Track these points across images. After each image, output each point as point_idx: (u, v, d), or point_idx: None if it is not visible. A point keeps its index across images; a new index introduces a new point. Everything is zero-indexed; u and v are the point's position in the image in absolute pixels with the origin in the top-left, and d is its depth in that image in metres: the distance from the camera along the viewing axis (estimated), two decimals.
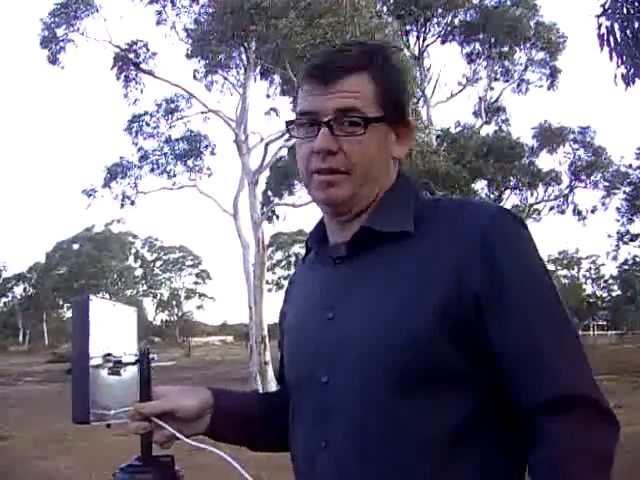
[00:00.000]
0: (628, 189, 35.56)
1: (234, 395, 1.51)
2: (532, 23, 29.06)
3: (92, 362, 1.29)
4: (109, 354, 1.34)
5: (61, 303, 72.50)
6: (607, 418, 1.17)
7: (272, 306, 21.76)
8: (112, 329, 1.39)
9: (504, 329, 1.19)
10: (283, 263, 64.33)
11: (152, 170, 23.10)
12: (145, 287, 77.33)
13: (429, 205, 1.35)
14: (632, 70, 7.73)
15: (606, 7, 7.81)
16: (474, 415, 1.21)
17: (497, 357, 1.20)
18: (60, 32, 21.22)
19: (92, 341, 1.29)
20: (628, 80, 7.80)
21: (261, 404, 1.53)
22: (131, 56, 21.64)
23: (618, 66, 7.87)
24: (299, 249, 60.32)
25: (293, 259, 58.74)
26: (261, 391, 17.23)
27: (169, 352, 51.61)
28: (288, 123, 1.38)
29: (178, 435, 1.32)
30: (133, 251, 73.44)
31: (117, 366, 1.35)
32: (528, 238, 1.28)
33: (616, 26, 7.78)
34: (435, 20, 30.07)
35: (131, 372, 1.37)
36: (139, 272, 75.73)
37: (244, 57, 21.39)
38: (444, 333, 1.19)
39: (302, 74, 1.36)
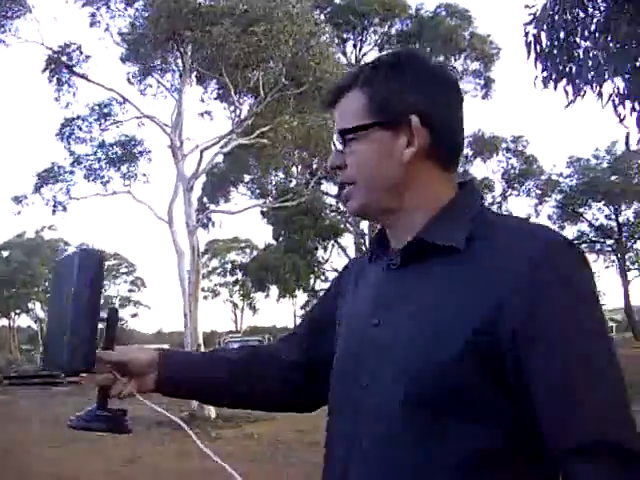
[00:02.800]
0: (559, 197, 36.45)
1: (182, 357, 1.66)
2: (466, 34, 29.61)
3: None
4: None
5: None
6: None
7: (207, 314, 21.56)
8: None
9: (539, 369, 1.15)
10: (219, 270, 63.96)
11: (86, 177, 22.66)
12: None
13: (490, 222, 1.30)
14: (553, 75, 7.90)
15: (536, 15, 7.97)
16: (495, 447, 1.19)
17: (530, 396, 1.16)
18: None
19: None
20: (546, 82, 7.97)
21: (211, 367, 1.62)
22: (64, 59, 21.17)
23: (542, 72, 8.03)
24: (235, 256, 60.08)
25: (229, 266, 58.40)
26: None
27: None
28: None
29: (131, 391, 1.48)
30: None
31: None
32: (585, 280, 1.21)
33: (543, 34, 7.95)
34: (372, 29, 30.36)
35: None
36: None
37: (180, 62, 21.16)
38: (478, 363, 1.18)
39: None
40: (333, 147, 1.41)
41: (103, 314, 1.46)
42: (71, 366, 1.41)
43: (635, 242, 37.43)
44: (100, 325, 1.46)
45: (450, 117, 1.36)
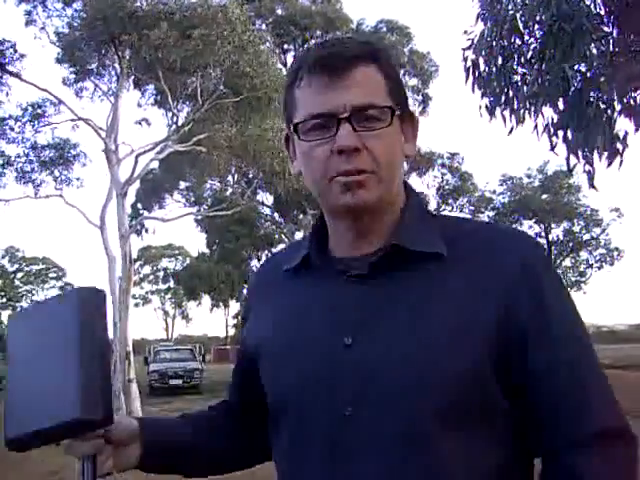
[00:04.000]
0: (491, 214, 37.12)
1: (163, 422, 1.45)
2: (406, 50, 29.97)
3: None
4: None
5: None
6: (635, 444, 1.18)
7: (138, 321, 21.24)
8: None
9: (549, 362, 1.15)
10: (151, 277, 63.17)
11: (17, 179, 22.09)
12: (4, 299, 74.02)
13: (453, 226, 1.26)
14: (494, 103, 8.05)
15: (473, 41, 8.11)
16: (512, 451, 1.18)
17: (533, 389, 1.15)
18: None
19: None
20: (492, 111, 8.12)
21: (191, 430, 1.39)
22: None
23: (482, 98, 8.18)
24: (167, 263, 59.44)
25: (161, 274, 57.77)
26: (125, 409, 16.78)
27: None
28: (294, 126, 1.23)
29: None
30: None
31: None
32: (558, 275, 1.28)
33: (481, 60, 8.09)
34: (313, 41, 30.47)
35: None
36: None
37: (117, 65, 20.86)
38: (491, 366, 1.13)
39: (298, 69, 1.22)
40: (346, 126, 1.17)
41: None
42: (88, 414, 1.09)
43: (563, 260, 38.35)
44: None
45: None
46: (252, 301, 1.43)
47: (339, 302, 1.21)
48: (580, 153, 7.54)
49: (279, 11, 29.32)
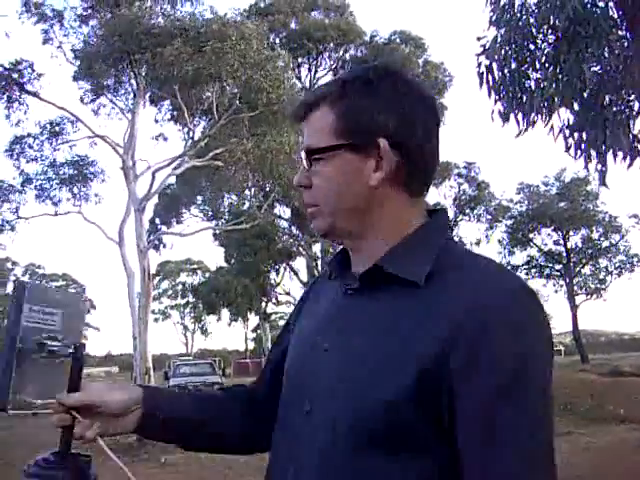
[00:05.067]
0: (509, 222, 36.97)
1: (166, 395, 1.48)
2: (420, 61, 30.02)
3: (26, 351, 1.28)
4: (43, 343, 1.31)
5: None
6: None
7: (157, 336, 21.30)
8: (53, 318, 1.37)
9: (464, 408, 1.11)
10: (170, 292, 63.33)
11: (37, 197, 22.31)
12: None
13: (454, 258, 1.24)
14: (507, 107, 8.04)
15: (486, 47, 8.11)
16: None
17: (456, 437, 1.12)
18: None
19: (23, 328, 1.28)
20: (505, 116, 8.11)
21: (199, 406, 1.49)
22: (15, 76, 20.92)
23: (495, 103, 8.17)
24: (186, 277, 59.59)
25: (180, 288, 57.90)
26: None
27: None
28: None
29: (91, 434, 1.29)
30: (12, 278, 70.58)
31: (50, 356, 1.32)
32: (538, 331, 1.16)
33: (494, 65, 8.09)
34: (327, 54, 30.60)
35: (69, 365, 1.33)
36: None
37: (133, 82, 21.05)
38: (418, 396, 1.12)
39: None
40: (301, 167, 1.31)
41: (69, 350, 1.32)
42: None
43: (583, 267, 38.02)
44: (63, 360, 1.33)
45: (423, 140, 1.26)
46: (305, 299, 1.53)
47: (333, 311, 1.33)
48: (594, 153, 7.52)
49: (293, 25, 29.50)
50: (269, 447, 1.43)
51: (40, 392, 1.33)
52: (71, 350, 1.32)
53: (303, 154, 1.29)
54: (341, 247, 1.39)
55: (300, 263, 30.52)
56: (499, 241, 37.70)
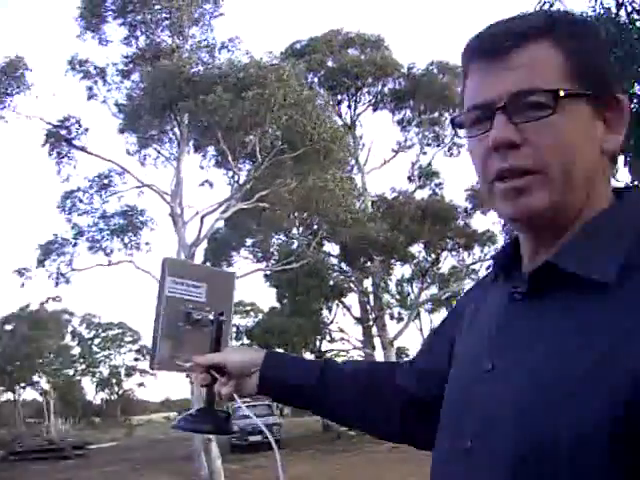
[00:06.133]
0: None
1: (288, 360, 1.50)
2: (459, 89, 29.95)
3: (171, 319, 1.47)
4: (189, 313, 1.48)
5: None
6: None
7: None
8: (198, 291, 1.53)
9: None
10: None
11: (90, 248, 22.70)
12: (84, 366, 75.31)
13: None
14: None
15: None
16: None
17: None
18: None
19: (167, 299, 1.47)
20: None
21: (323, 375, 1.44)
22: (63, 132, 21.46)
23: None
24: (240, 320, 59.74)
25: (234, 330, 58.09)
26: (207, 467, 16.72)
27: (110, 433, 50.11)
28: (453, 120, 1.09)
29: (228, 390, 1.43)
30: (70, 329, 71.65)
31: (195, 324, 1.49)
32: None
33: None
34: (365, 89, 30.78)
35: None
36: (77, 350, 73.80)
37: (177, 131, 21.42)
38: (611, 433, 0.86)
39: (463, 59, 1.08)
40: (499, 117, 0.99)
41: (210, 317, 1.50)
42: (149, 366, 1.51)
43: None
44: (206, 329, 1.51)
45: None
46: (463, 308, 1.29)
47: (499, 322, 1.06)
48: None
49: (330, 63, 29.74)
50: (401, 438, 1.43)
51: (189, 356, 1.48)
52: (212, 317, 1.49)
53: (505, 99, 0.98)
54: (510, 241, 1.13)
55: (352, 299, 30.41)
56: None
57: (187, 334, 1.49)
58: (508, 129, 0.97)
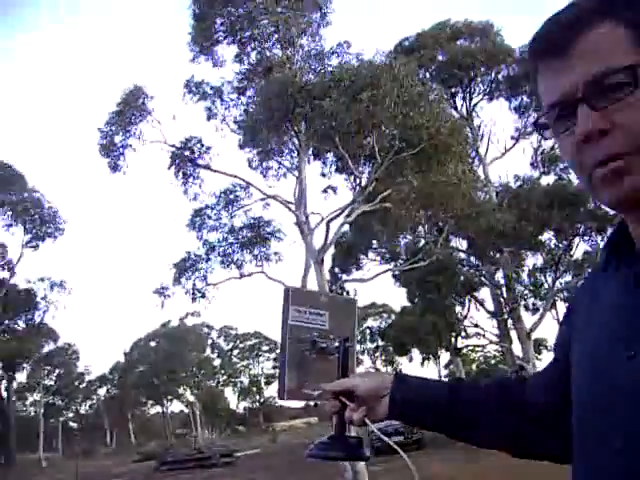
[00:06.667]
0: None
1: (415, 380, 1.45)
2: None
3: (296, 348, 1.49)
4: (315, 341, 1.51)
5: (144, 400, 73.06)
6: None
7: None
8: (321, 319, 1.55)
9: None
10: (359, 338, 63.48)
11: (222, 263, 23.32)
12: (225, 376, 77.46)
13: None
14: None
15: None
16: None
17: None
18: (118, 139, 21.92)
19: (290, 328, 1.50)
20: None
21: (454, 394, 1.39)
22: (187, 153, 22.15)
23: None
24: (373, 322, 59.87)
25: (367, 332, 58.22)
26: (351, 469, 16.86)
27: (254, 440, 51.31)
28: (536, 124, 1.07)
29: (358, 415, 1.41)
30: (209, 342, 73.86)
31: (321, 352, 1.51)
32: None
33: None
34: (479, 79, 30.25)
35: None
36: (217, 362, 76.00)
37: (295, 140, 21.72)
38: None
39: (530, 58, 1.07)
40: (582, 109, 0.97)
41: (335, 344, 1.51)
42: (278, 397, 1.52)
43: None
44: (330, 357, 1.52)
45: None
46: (577, 305, 1.24)
47: (627, 306, 1.01)
48: None
49: (440, 57, 29.42)
50: (541, 454, 1.34)
51: (316, 385, 1.50)
52: (337, 344, 1.51)
53: (581, 92, 0.97)
54: (617, 227, 1.10)
55: (484, 293, 29.86)
56: None
57: (313, 362, 1.51)
58: (593, 118, 0.95)
